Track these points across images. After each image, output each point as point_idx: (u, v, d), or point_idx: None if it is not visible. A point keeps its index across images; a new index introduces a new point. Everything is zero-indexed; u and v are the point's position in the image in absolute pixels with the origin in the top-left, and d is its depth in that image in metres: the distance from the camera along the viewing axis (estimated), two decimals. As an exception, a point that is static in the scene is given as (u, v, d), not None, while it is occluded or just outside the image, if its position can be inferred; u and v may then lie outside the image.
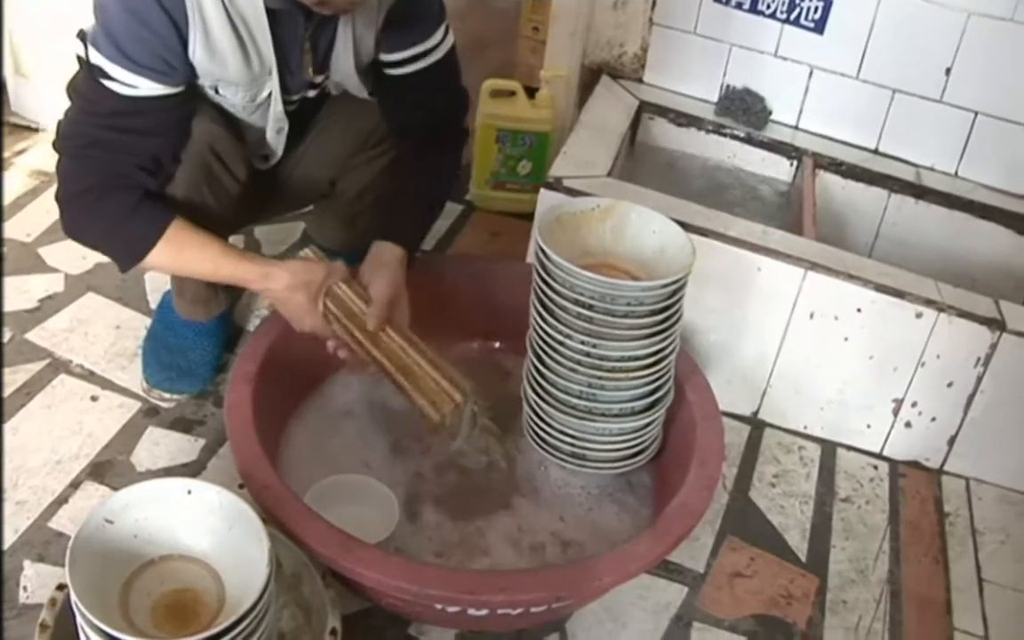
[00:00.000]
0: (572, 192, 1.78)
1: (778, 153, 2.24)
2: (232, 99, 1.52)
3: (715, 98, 2.33)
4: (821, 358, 1.80)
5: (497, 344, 1.85)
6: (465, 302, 1.81)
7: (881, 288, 1.73)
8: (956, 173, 2.26)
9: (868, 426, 1.85)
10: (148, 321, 1.83)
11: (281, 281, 1.50)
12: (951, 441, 1.83)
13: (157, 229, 1.45)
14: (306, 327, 1.54)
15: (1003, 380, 1.75)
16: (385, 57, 1.60)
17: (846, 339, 1.77)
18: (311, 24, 1.48)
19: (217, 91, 1.50)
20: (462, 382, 1.51)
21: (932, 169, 2.27)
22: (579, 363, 1.45)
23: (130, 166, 1.42)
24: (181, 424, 1.68)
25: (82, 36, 1.40)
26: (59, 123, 1.46)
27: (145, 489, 1.18)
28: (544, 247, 1.43)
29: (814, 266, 1.74)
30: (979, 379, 1.76)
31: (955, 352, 1.75)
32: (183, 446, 1.64)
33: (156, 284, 1.96)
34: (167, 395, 1.71)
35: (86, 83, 1.41)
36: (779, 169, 2.27)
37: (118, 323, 1.87)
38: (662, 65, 2.18)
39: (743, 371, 1.84)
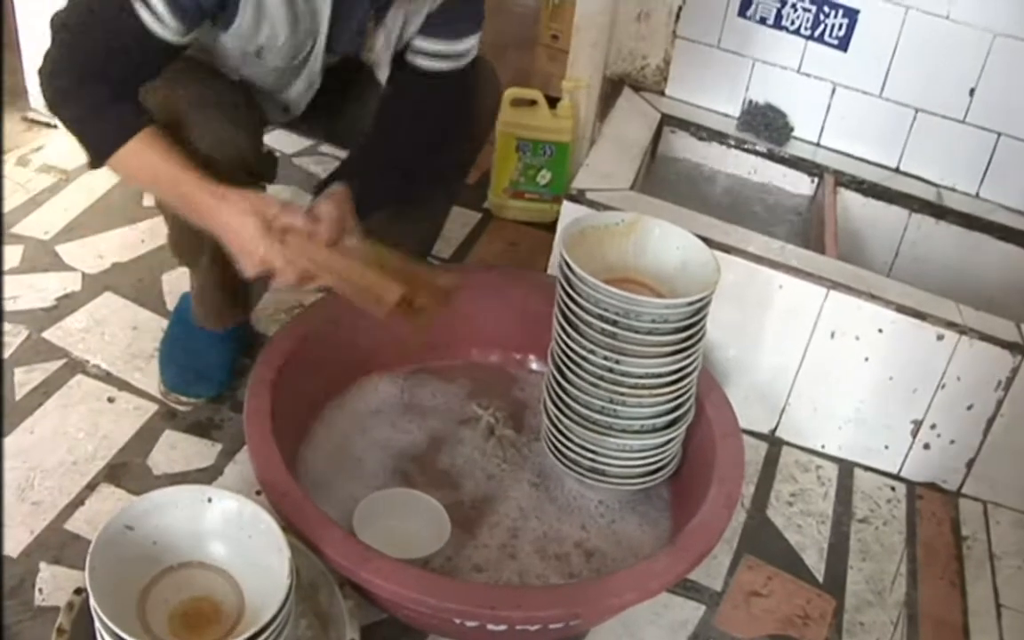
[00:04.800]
0: (595, 205, 1.77)
1: (799, 169, 2.24)
2: (270, 64, 1.49)
3: (737, 113, 2.32)
4: (840, 377, 1.79)
5: (516, 355, 1.84)
6: (484, 312, 1.80)
7: (902, 309, 1.72)
8: (977, 194, 2.25)
9: (886, 447, 1.84)
10: (165, 323, 1.82)
11: (236, 205, 1.41)
12: (969, 464, 1.82)
13: (130, 129, 1.38)
14: (257, 256, 1.41)
15: (1023, 404, 1.74)
16: (420, 43, 1.56)
17: (866, 359, 1.76)
18: None
19: (259, 55, 1.47)
20: (415, 272, 1.45)
21: (953, 189, 2.26)
22: (601, 378, 1.44)
23: (120, 73, 1.38)
24: (198, 428, 1.67)
25: None
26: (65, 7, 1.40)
27: (165, 496, 1.18)
28: (569, 261, 1.42)
29: (836, 285, 1.73)
30: (999, 403, 1.75)
31: (976, 375, 1.74)
32: (200, 450, 1.63)
33: (174, 285, 1.96)
34: (184, 399, 1.71)
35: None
36: (800, 185, 2.26)
37: (135, 324, 1.86)
38: (684, 78, 2.17)
39: (761, 388, 1.83)
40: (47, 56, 1.39)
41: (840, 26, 2.18)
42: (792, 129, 2.29)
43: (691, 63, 2.27)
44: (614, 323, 1.41)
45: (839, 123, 2.27)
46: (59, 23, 1.39)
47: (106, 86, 1.37)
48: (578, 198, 1.78)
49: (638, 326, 1.40)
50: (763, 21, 2.21)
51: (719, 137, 2.25)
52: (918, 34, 2.15)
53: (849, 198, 2.21)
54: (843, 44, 2.19)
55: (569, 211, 1.77)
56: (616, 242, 1.56)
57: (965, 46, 2.13)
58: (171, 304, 1.90)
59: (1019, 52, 2.11)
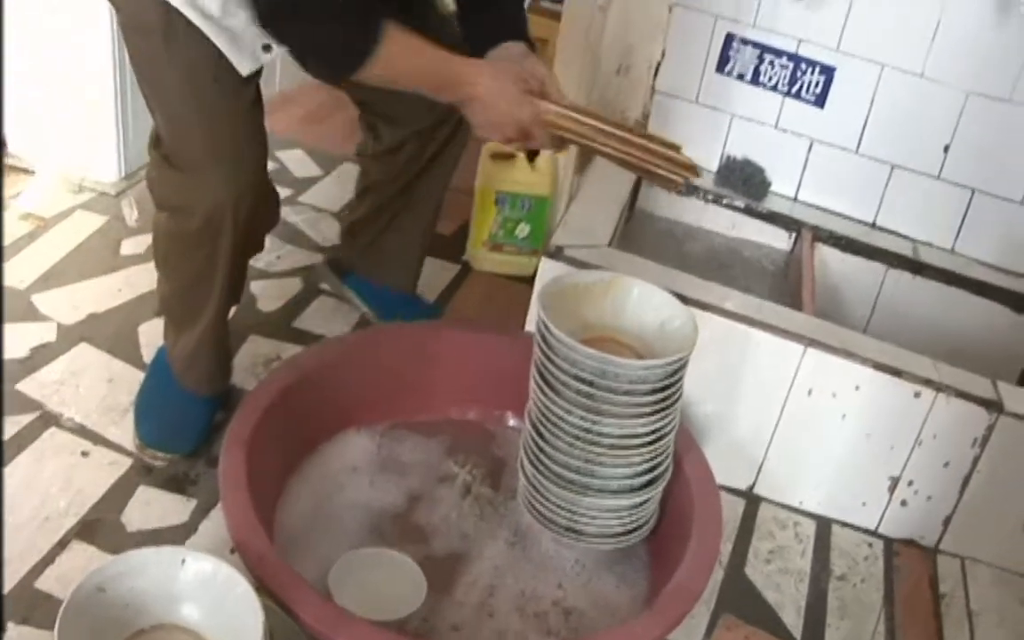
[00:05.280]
0: (574, 262, 1.78)
1: (777, 225, 2.26)
2: None
3: (715, 167, 2.34)
4: (818, 434, 1.80)
5: (494, 412, 1.84)
6: (463, 368, 1.80)
7: (879, 366, 1.73)
8: (953, 249, 2.27)
9: (864, 503, 1.84)
10: (141, 375, 1.81)
11: (490, 75, 1.48)
12: (947, 521, 1.82)
13: (376, 34, 1.39)
14: (524, 115, 1.49)
15: (1000, 461, 1.75)
16: None
17: (844, 416, 1.77)
18: None
19: None
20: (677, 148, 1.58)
21: (929, 244, 2.28)
22: (578, 438, 1.44)
23: None
24: (173, 484, 1.66)
25: None
26: None
27: (138, 557, 1.17)
28: (547, 322, 1.42)
29: (813, 343, 1.74)
30: (975, 460, 1.76)
31: (952, 432, 1.75)
32: (175, 507, 1.62)
33: (150, 337, 1.95)
34: (160, 454, 1.69)
35: None
36: (778, 240, 2.28)
37: (111, 376, 1.85)
38: (663, 132, 2.18)
39: (739, 444, 1.83)
40: None
41: (817, 83, 2.20)
42: (770, 184, 2.31)
43: (670, 118, 2.29)
44: (591, 384, 1.41)
45: (817, 178, 2.29)
46: None
47: None
48: (556, 255, 1.79)
49: (615, 387, 1.40)
50: (741, 77, 2.24)
51: (697, 192, 2.27)
52: (893, 91, 2.18)
53: (827, 253, 2.23)
54: (820, 101, 2.22)
55: (548, 268, 1.77)
56: (595, 301, 1.56)
57: (939, 104, 2.16)
58: (148, 356, 1.89)
59: (991, 110, 2.14)
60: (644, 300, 1.55)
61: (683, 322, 1.50)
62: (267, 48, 1.48)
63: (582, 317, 1.54)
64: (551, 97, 1.53)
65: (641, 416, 1.43)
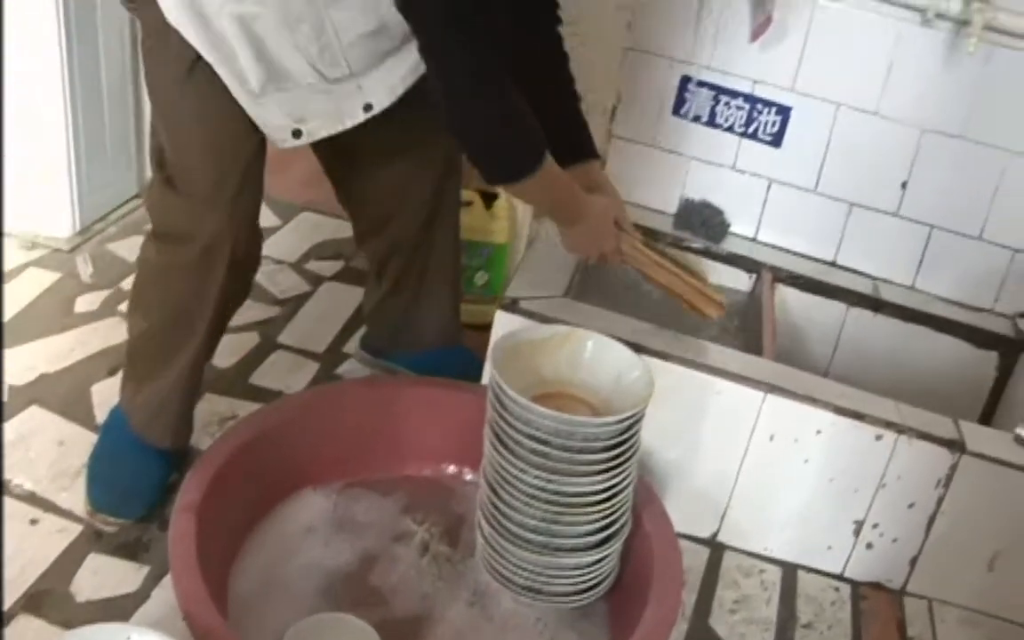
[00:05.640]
0: (529, 314, 1.76)
1: (736, 266, 2.24)
2: None
3: (674, 209, 2.32)
4: (781, 480, 1.78)
5: (451, 468, 1.81)
6: (420, 423, 1.78)
7: (840, 410, 1.72)
8: (913, 285, 2.27)
9: (829, 547, 1.82)
10: (93, 437, 1.78)
11: (600, 204, 1.68)
12: (913, 562, 1.80)
13: (541, 159, 1.51)
14: (606, 245, 1.70)
15: (964, 501, 1.74)
16: None
17: (806, 461, 1.75)
18: None
19: None
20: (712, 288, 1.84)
21: (890, 282, 2.28)
22: (534, 497, 1.42)
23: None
24: (125, 550, 1.62)
25: None
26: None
27: (83, 636, 1.14)
28: (499, 382, 1.40)
29: (773, 389, 1.72)
30: (940, 500, 1.74)
31: (915, 473, 1.74)
32: (126, 574, 1.58)
33: (104, 397, 1.91)
34: (111, 519, 1.65)
35: None
36: (738, 281, 2.26)
37: (62, 439, 1.81)
38: (621, 177, 2.16)
39: (702, 491, 1.81)
40: (443, 66, 1.42)
41: (773, 123, 2.20)
42: (729, 226, 2.30)
43: (627, 161, 2.28)
44: (546, 443, 1.39)
45: (776, 219, 2.29)
46: (441, 17, 1.39)
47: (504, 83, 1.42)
48: (512, 308, 1.77)
49: (570, 445, 1.38)
50: (697, 119, 2.23)
51: (655, 235, 2.25)
52: (849, 130, 2.18)
53: (787, 293, 2.22)
54: (776, 141, 2.22)
55: (503, 322, 1.75)
56: (550, 355, 1.54)
57: (895, 141, 2.16)
58: (101, 416, 1.85)
59: (947, 147, 2.14)
60: (600, 353, 1.54)
61: (639, 375, 1.48)
62: (297, 133, 1.53)
63: (537, 372, 1.52)
64: (626, 229, 1.74)
65: (597, 473, 1.41)
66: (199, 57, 1.46)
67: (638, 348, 1.69)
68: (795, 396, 1.72)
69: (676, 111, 2.24)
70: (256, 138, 1.56)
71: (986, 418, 2.22)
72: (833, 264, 2.29)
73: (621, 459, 1.42)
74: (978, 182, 2.17)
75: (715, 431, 1.76)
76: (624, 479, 1.44)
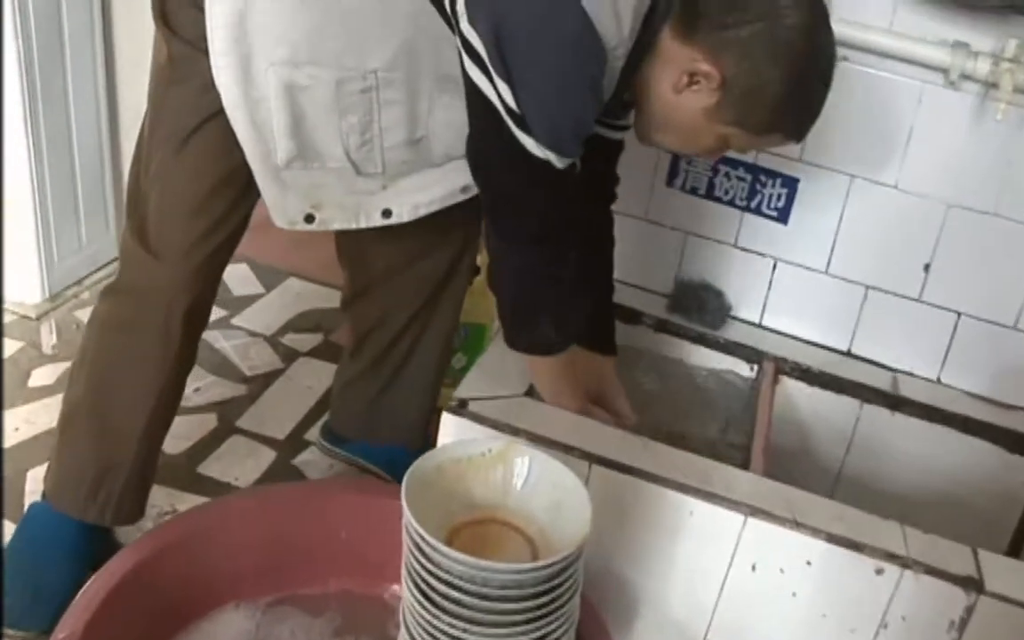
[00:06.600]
0: (478, 418, 1.55)
1: (736, 356, 2.00)
2: None
3: (668, 290, 2.10)
4: (766, 613, 1.54)
5: (394, 585, 1.61)
6: (358, 532, 1.59)
7: (833, 538, 1.48)
8: (938, 379, 2.02)
9: (824, 691, 1.58)
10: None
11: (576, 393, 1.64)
12: (923, 713, 1.55)
13: (570, 337, 1.58)
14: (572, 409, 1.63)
15: (983, 647, 1.48)
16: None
17: (794, 594, 1.52)
18: None
19: None
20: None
21: (911, 374, 2.02)
22: (450, 651, 1.21)
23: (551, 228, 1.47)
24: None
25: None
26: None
27: None
28: (408, 516, 1.20)
29: (755, 511, 1.49)
30: (954, 646, 1.49)
31: (924, 615, 1.49)
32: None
33: (39, 484, 1.74)
34: (12, 631, 1.49)
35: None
36: (740, 371, 2.03)
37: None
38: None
39: (675, 624, 1.58)
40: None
41: (779, 196, 1.98)
42: (730, 309, 2.07)
43: (618, 235, 2.04)
44: (459, 589, 1.18)
45: (782, 302, 2.05)
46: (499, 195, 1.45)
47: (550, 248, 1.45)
48: (459, 411, 1.56)
49: (487, 593, 1.17)
50: (694, 191, 2.01)
51: (647, 320, 2.03)
52: (865, 204, 1.94)
53: (793, 387, 1.98)
54: (783, 216, 1.99)
55: (448, 427, 1.55)
56: (483, 474, 1.33)
57: (917, 218, 1.93)
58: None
59: (976, 224, 1.90)
60: (538, 475, 1.32)
61: (580, 505, 1.26)
62: (309, 219, 1.48)
63: (467, 494, 1.32)
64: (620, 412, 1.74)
65: (521, 623, 1.19)
66: (220, 111, 1.38)
67: (599, 460, 1.49)
68: (780, 520, 1.49)
69: (670, 181, 2.02)
70: (246, 207, 1.51)
71: (1021, 535, 1.95)
72: (848, 354, 2.05)
73: (550, 609, 1.20)
74: (1012, 264, 1.91)
75: (690, 557, 1.54)
76: (557, 629, 1.23)
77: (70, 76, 2.33)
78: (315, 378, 2.26)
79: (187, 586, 1.49)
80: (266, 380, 2.26)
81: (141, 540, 1.48)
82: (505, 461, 1.34)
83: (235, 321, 2.45)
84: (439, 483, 1.30)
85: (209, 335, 2.36)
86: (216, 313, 2.36)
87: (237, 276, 2.64)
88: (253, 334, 2.41)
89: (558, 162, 1.35)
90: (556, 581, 1.20)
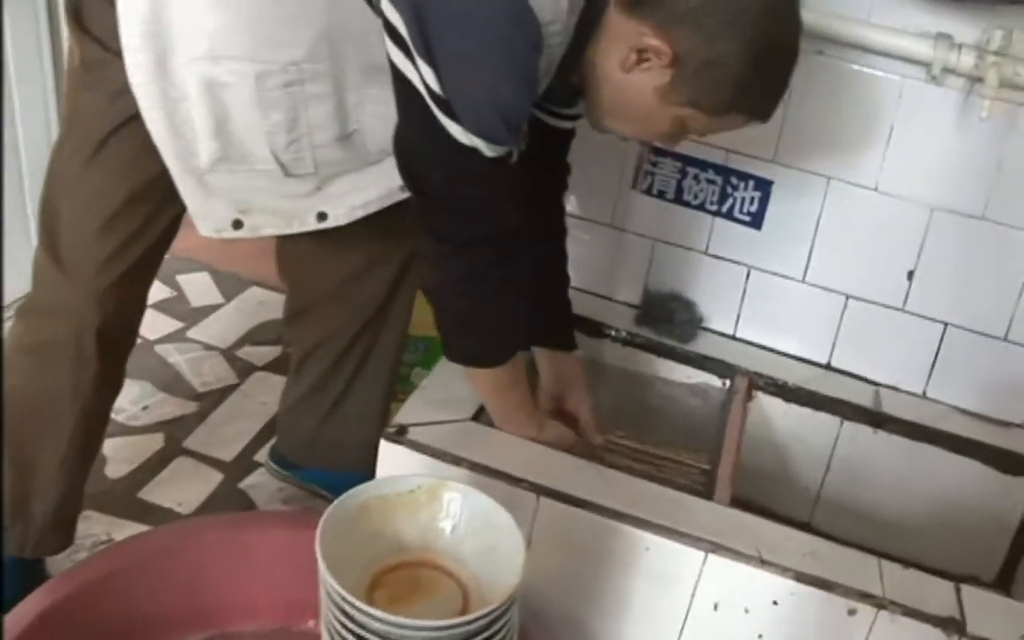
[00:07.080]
0: (418, 447, 1.44)
1: (707, 371, 1.88)
2: None
3: (637, 301, 1.98)
4: (731, 656, 1.43)
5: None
6: (295, 570, 1.46)
7: (803, 578, 1.36)
8: (924, 394, 1.90)
9: (795, 738, 1.46)
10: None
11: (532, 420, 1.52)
12: None
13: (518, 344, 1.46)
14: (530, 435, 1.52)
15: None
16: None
17: (760, 637, 1.40)
18: None
19: None
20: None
21: (895, 389, 1.90)
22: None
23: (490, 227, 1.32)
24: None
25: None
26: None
27: None
28: (321, 565, 1.08)
29: (716, 548, 1.37)
30: (934, 692, 1.37)
31: (901, 657, 1.37)
32: None
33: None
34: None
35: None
36: (711, 380, 1.90)
37: None
38: (573, 263, 1.82)
39: (636, 667, 1.47)
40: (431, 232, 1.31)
41: (751, 199, 1.86)
42: (701, 320, 1.95)
43: (579, 244, 1.89)
44: (374, 647, 1.06)
45: (758, 313, 1.93)
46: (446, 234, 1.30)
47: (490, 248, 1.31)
48: (397, 438, 1.45)
49: (404, 652, 1.06)
50: (661, 195, 1.89)
51: (611, 334, 1.91)
52: (843, 208, 1.83)
53: (769, 404, 1.86)
54: (756, 221, 1.87)
55: (387, 456, 1.43)
56: (412, 513, 1.22)
57: (899, 222, 1.81)
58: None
59: (963, 229, 1.78)
60: (472, 513, 1.21)
61: (514, 549, 1.15)
62: (238, 224, 1.40)
63: (395, 535, 1.21)
64: (586, 426, 1.63)
65: (445, 685, 1.08)
66: (134, 117, 1.28)
67: (547, 492, 1.37)
68: (745, 558, 1.37)
69: (636, 185, 1.90)
70: (167, 220, 1.42)
71: (1013, 561, 1.83)
72: (827, 367, 1.93)
73: (478, 667, 1.09)
74: (1001, 271, 1.79)
75: (647, 596, 1.42)
76: (487, 690, 1.11)
77: (15, 86, 2.22)
78: (270, 394, 2.14)
79: (108, 626, 1.38)
80: (219, 396, 2.15)
81: (54, 581, 1.38)
82: (436, 498, 1.22)
83: (191, 333, 2.34)
84: (363, 523, 1.19)
85: (162, 349, 2.25)
86: (172, 325, 2.26)
87: (197, 285, 2.52)
88: (209, 347, 2.30)
89: (487, 150, 1.21)
90: (484, 634, 1.08)
